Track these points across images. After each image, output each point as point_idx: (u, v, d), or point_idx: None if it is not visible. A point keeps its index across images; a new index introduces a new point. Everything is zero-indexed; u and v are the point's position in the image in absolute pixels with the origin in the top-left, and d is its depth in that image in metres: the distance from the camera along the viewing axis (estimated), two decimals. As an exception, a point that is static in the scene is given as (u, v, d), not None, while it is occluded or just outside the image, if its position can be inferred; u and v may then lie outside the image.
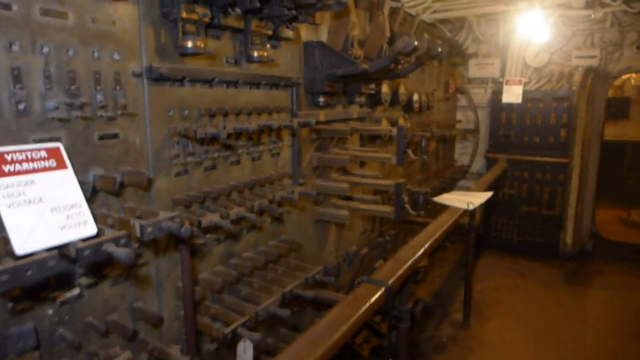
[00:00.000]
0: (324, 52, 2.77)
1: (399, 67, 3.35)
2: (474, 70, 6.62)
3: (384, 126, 3.11)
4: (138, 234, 1.52)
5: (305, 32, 2.87)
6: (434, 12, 4.94)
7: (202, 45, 1.97)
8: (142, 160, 1.86)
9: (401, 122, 4.22)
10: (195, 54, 1.98)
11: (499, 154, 6.22)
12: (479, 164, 6.84)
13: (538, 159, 6.03)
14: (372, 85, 3.56)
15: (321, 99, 2.94)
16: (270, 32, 2.37)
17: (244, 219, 2.11)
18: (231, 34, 2.26)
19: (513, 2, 4.66)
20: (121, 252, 1.35)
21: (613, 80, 6.26)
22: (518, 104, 6.06)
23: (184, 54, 1.97)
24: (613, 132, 8.70)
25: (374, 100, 3.81)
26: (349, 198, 3.21)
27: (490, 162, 6.37)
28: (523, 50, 6.23)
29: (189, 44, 1.93)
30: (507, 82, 6.05)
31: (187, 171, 2.07)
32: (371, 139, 3.85)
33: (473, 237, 4.18)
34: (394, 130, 2.94)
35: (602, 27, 5.83)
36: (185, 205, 2.04)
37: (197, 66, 2.07)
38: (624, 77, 8.10)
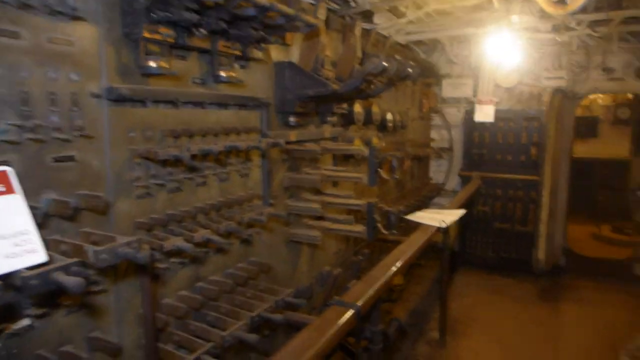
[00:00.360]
0: (295, 73, 2.77)
1: (371, 87, 3.38)
2: (447, 90, 6.74)
3: (356, 146, 3.12)
4: (92, 260, 1.46)
5: (276, 53, 2.87)
6: (407, 34, 5.03)
7: (167, 66, 1.94)
8: (101, 183, 1.80)
9: (375, 141, 4.23)
10: (159, 74, 1.95)
11: (473, 171, 6.31)
12: (453, 181, 6.93)
13: (510, 176, 6.14)
14: (345, 105, 3.58)
15: (292, 119, 2.93)
16: (238, 53, 2.36)
17: (210, 242, 2.06)
18: (198, 54, 2.24)
19: (482, 25, 4.79)
20: (70, 281, 1.29)
21: (580, 100, 6.47)
22: (490, 123, 6.18)
23: (148, 74, 1.93)
24: (583, 150, 8.96)
25: (347, 119, 3.83)
26: (321, 218, 3.18)
27: (464, 180, 6.45)
28: (494, 71, 6.38)
29: (153, 64, 1.89)
30: (480, 101, 6.18)
31: (150, 194, 2.01)
32: (345, 158, 3.85)
33: (447, 255, 4.19)
34: (366, 151, 2.94)
35: (569, 49, 6.04)
36: (147, 228, 1.98)
37: (162, 86, 2.03)
38: (591, 97, 8.40)
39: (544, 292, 5.82)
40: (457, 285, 5.99)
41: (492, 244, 6.36)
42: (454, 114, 6.82)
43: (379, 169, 2.93)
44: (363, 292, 2.27)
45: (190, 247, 1.89)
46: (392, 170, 3.05)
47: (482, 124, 6.23)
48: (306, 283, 3.31)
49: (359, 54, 3.40)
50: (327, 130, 3.44)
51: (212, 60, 2.28)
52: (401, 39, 5.20)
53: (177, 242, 1.91)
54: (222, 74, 2.30)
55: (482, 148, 6.36)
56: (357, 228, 3.03)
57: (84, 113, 1.71)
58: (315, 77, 2.75)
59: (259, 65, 2.69)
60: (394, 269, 2.58)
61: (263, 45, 2.53)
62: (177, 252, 2.05)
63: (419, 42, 5.93)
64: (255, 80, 2.68)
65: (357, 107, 3.85)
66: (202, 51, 2.23)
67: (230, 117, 2.47)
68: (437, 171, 7.08)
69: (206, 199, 2.33)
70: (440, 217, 3.73)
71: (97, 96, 1.76)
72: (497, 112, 6.13)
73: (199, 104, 2.23)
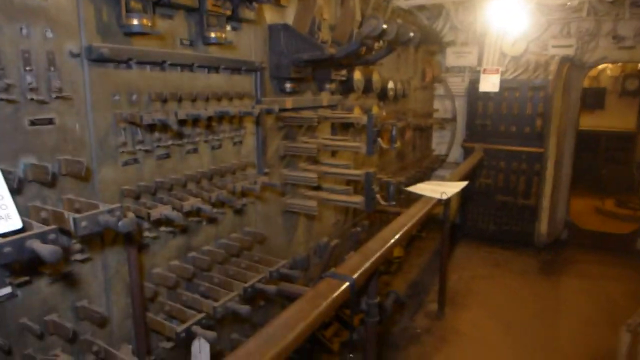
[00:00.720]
0: (290, 36, 2.64)
1: (371, 53, 3.25)
2: (451, 58, 6.55)
3: (356, 114, 3.01)
4: (72, 228, 1.39)
5: (271, 15, 2.73)
6: (410, -3, 4.83)
7: (149, 24, 1.82)
8: (83, 148, 1.72)
9: (375, 110, 4.12)
10: (141, 33, 1.83)
11: (476, 143, 6.19)
12: (456, 153, 6.82)
13: (514, 148, 6.02)
14: (343, 72, 3.45)
15: (288, 85, 2.82)
16: (228, 12, 2.23)
17: (201, 212, 1.99)
18: (185, 13, 2.12)
19: (489, -11, 4.58)
20: (46, 249, 1.23)
21: (589, 70, 6.27)
22: (495, 93, 6.01)
23: (130, 33, 1.82)
24: (589, 122, 8.78)
25: (346, 87, 3.70)
26: (319, 188, 3.11)
27: (467, 152, 6.33)
28: (500, 39, 6.17)
29: (134, 22, 1.78)
30: (485, 70, 6.00)
31: (137, 160, 1.93)
32: (344, 127, 3.74)
33: (447, 227, 4.13)
34: (364, 118, 2.84)
35: (579, 16, 5.81)
36: (134, 196, 1.91)
37: (146, 47, 1.92)
38: (599, 67, 8.16)
39: (545, 266, 5.79)
40: (458, 258, 5.96)
41: (494, 216, 6.30)
42: (458, 84, 6.65)
43: (378, 139, 2.83)
44: (359, 264, 2.22)
45: (179, 216, 1.82)
46: (392, 139, 2.95)
47: (487, 94, 6.06)
48: (303, 254, 3.27)
49: (358, 17, 3.25)
50: (325, 98, 3.32)
51: (201, 19, 2.15)
52: (403, 3, 5.00)
53: (165, 210, 1.84)
54: (212, 34, 2.18)
55: (485, 119, 6.21)
56: (355, 199, 2.95)
57: (62, 73, 1.61)
58: (311, 40, 2.62)
59: (251, 27, 2.56)
60: (392, 241, 2.52)
61: (256, 5, 2.39)
62: (167, 222, 1.99)
63: (422, 8, 5.72)
64: (248, 43, 2.55)
65: (357, 75, 3.71)
66: (189, 9, 2.11)
67: (221, 82, 2.36)
68: (439, 142, 6.96)
69: (197, 167, 2.25)
70: (441, 189, 3.65)
71: (76, 56, 1.66)
72: (502, 81, 5.96)
73: (187, 66, 2.12)
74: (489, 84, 5.98)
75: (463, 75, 6.59)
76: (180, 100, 2.09)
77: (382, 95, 4.43)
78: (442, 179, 6.26)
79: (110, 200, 1.82)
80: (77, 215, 1.39)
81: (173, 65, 2.04)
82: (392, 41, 2.83)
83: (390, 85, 4.46)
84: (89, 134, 1.73)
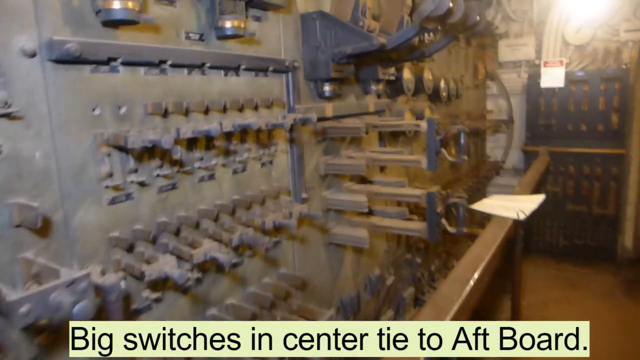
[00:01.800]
0: (328, 25, 2.09)
1: (423, 45, 2.65)
2: (505, 52, 5.84)
3: (408, 120, 2.44)
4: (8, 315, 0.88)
5: (303, 1, 2.20)
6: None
7: (137, 10, 1.31)
8: (48, 184, 1.21)
9: (427, 113, 3.50)
10: (129, 21, 1.32)
11: (539, 146, 5.43)
12: (514, 158, 6.06)
13: (586, 150, 5.22)
14: (392, 70, 2.86)
15: (327, 88, 2.27)
16: (248, -4, 1.71)
17: (215, 261, 1.45)
18: (191, -3, 1.61)
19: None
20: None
21: (671, 55, 5.40)
22: (559, 89, 5.26)
23: (111, 22, 1.31)
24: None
25: (394, 88, 3.12)
26: (369, 212, 2.52)
27: (528, 156, 5.58)
28: (562, 27, 5.43)
29: (116, 6, 1.27)
30: (546, 63, 5.27)
31: (130, 196, 1.42)
32: (393, 135, 3.15)
33: (520, 249, 3.44)
34: (423, 125, 2.24)
35: (657, -7, 5.00)
36: (127, 247, 1.39)
37: (137, 41, 1.42)
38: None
39: (631, 286, 4.93)
40: (524, 278, 5.18)
41: (564, 229, 5.50)
42: (514, 80, 5.92)
43: (441, 149, 2.23)
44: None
45: (181, 273, 1.28)
46: (460, 149, 2.34)
47: (549, 89, 5.32)
48: (352, 291, 2.68)
49: (409, 1, 2.66)
50: (372, 102, 2.74)
51: (212, 4, 1.64)
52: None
53: (166, 267, 1.31)
54: (227, 24, 1.65)
55: (549, 118, 5.44)
56: (415, 225, 2.35)
57: (9, 80, 1.12)
58: (355, 28, 2.06)
59: (279, 16, 2.03)
60: (471, 283, 1.90)
61: (284, -14, 1.86)
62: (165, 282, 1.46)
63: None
64: (276, 36, 2.02)
65: (407, 73, 3.12)
66: (196, -8, 1.60)
67: (242, 86, 1.84)
68: (494, 147, 6.23)
69: (214, 198, 1.72)
70: (514, 205, 2.99)
71: (31, 55, 1.16)
72: (566, 74, 5.21)
73: (196, 67, 1.60)
74: (552, 78, 5.24)
75: (519, 71, 5.86)
76: (187, 112, 1.57)
77: (434, 96, 3.81)
78: (501, 187, 5.54)
79: (92, 254, 1.32)
80: (14, 297, 0.87)
81: (176, 66, 1.53)
82: (456, 26, 2.22)
83: (443, 84, 3.83)
84: (56, 164, 1.23)
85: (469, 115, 4.99)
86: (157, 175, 1.48)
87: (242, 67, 1.78)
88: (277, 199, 1.98)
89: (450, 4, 1.95)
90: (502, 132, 6.12)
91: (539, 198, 3.22)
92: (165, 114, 1.49)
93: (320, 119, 2.24)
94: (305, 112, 2.04)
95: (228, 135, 1.72)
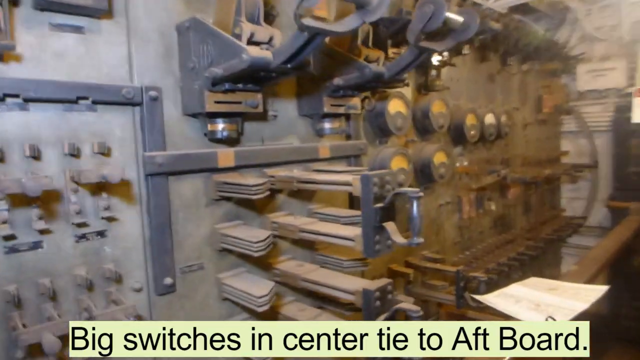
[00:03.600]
0: (203, 37, 1.42)
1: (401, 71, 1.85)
2: (585, 80, 4.63)
3: (341, 176, 1.62)
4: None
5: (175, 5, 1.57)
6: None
7: None
8: None
9: (439, 159, 2.63)
10: None
11: (630, 201, 4.09)
12: (599, 213, 4.71)
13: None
14: (356, 101, 2.06)
15: (219, 127, 1.57)
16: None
17: None
18: None
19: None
20: None
21: None
22: (660, 125, 3.94)
23: None
24: None
25: (377, 126, 2.33)
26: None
27: (616, 214, 4.25)
28: (664, 45, 4.14)
29: None
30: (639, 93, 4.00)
31: None
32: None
33: None
34: (355, 183, 1.44)
35: None
36: None
37: None
38: None
39: None
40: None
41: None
42: (598, 115, 4.65)
43: (387, 224, 1.39)
44: None
45: None
46: (412, 223, 1.46)
47: (646, 126, 4.02)
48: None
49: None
50: (323, 146, 1.99)
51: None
52: (501, 4, 3.45)
53: None
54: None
55: (645, 164, 4.11)
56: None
57: None
58: (228, 39, 1.35)
59: (123, 27, 1.42)
60: None
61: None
62: None
63: (533, 11, 4.05)
64: (118, 56, 1.41)
65: (395, 105, 2.32)
66: None
67: (37, 126, 1.23)
68: (573, 198, 4.93)
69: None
70: (552, 302, 1.96)
71: None
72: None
73: None
74: (649, 111, 3.95)
75: (605, 102, 4.60)
76: None
77: (457, 136, 2.92)
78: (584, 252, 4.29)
79: None
80: None
81: None
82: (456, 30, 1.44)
83: (470, 120, 2.92)
84: None
85: (525, 159, 3.91)
86: None
87: (22, 97, 1.18)
88: (117, 285, 1.33)
89: (450, 14, 1.21)
90: (586, 180, 4.82)
91: (597, 291, 2.13)
92: None
93: (208, 170, 1.57)
94: (167, 162, 1.38)
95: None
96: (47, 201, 1.26)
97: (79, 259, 1.33)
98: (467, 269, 2.73)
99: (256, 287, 1.55)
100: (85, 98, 1.30)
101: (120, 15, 1.41)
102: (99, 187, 1.34)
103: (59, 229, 1.29)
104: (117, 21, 1.40)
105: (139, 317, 1.36)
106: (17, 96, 1.18)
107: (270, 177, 1.77)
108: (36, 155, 1.23)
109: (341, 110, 1.91)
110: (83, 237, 1.33)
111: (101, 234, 1.37)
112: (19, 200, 1.20)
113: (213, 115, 1.53)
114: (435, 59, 2.55)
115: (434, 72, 2.60)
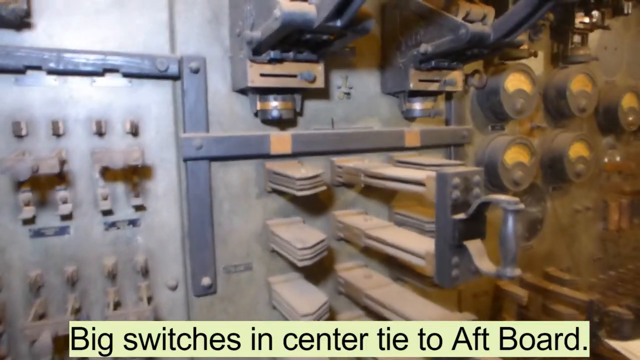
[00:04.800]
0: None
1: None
2: None
3: (418, 173, 1.24)
4: None
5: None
6: None
7: None
8: None
9: (577, 152, 2.03)
10: None
11: None
12: None
13: None
14: (456, 75, 1.62)
15: (273, 104, 1.32)
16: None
17: None
18: None
19: None
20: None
21: None
22: None
23: None
24: None
25: (491, 109, 1.85)
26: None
27: None
28: None
29: None
30: None
31: None
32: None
33: None
34: (429, 183, 1.08)
35: None
36: None
37: None
38: None
39: None
40: None
41: None
42: None
43: (469, 242, 1.01)
44: None
45: None
46: (505, 249, 1.03)
47: None
48: None
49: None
50: (411, 132, 1.61)
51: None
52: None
53: None
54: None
55: None
56: None
57: None
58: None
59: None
60: None
61: None
62: None
63: None
64: (136, 19, 1.23)
65: (515, 81, 1.81)
66: None
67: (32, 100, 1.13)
68: None
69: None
70: None
71: None
72: None
73: None
74: None
75: None
76: None
77: (609, 123, 2.24)
78: None
79: None
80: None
81: None
82: None
83: (629, 102, 2.21)
84: None
85: None
86: None
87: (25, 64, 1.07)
88: (148, 279, 1.21)
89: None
90: None
91: None
92: None
93: (260, 156, 1.35)
94: (207, 146, 1.20)
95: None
96: (73, 184, 1.16)
97: (108, 247, 1.21)
98: (606, 297, 2.10)
99: (304, 300, 1.29)
100: (115, 70, 1.16)
101: (161, -27, 1.23)
102: (131, 171, 1.20)
103: (86, 215, 1.18)
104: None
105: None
106: (38, 68, 1.08)
107: (338, 167, 1.48)
108: (61, 134, 1.13)
109: (434, 87, 1.51)
110: (113, 225, 1.21)
111: (133, 222, 1.24)
112: (45, 182, 1.11)
113: (263, 92, 1.29)
114: (580, 21, 1.93)
115: (577, 38, 1.99)
